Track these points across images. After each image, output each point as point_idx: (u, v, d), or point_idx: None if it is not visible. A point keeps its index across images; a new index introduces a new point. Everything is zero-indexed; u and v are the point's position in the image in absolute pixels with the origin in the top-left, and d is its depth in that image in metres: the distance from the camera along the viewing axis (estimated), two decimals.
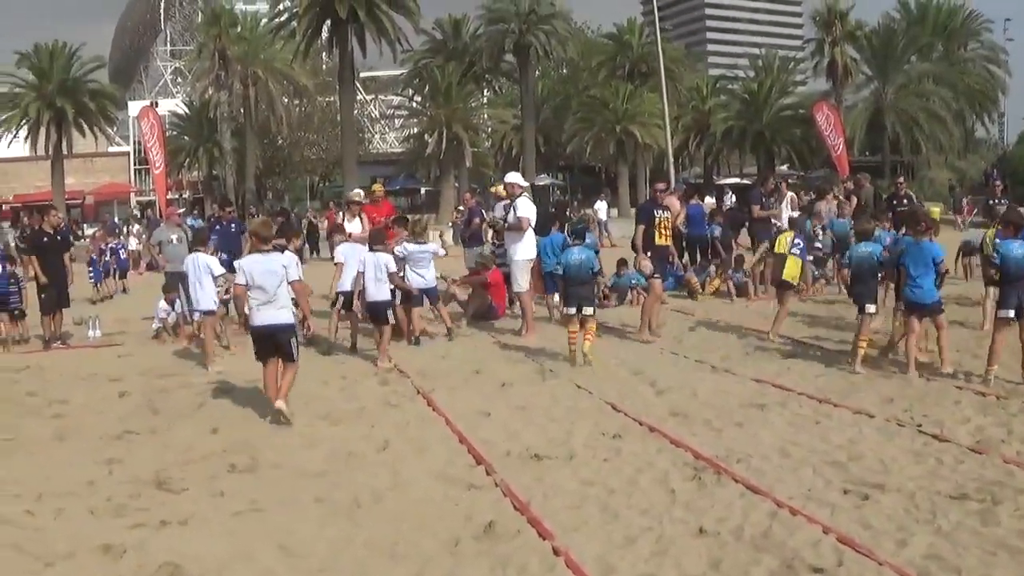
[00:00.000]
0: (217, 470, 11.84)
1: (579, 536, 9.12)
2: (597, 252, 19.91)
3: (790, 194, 29.49)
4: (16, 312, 23.82)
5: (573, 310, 17.93)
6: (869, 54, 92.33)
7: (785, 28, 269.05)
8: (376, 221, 24.15)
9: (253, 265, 14.45)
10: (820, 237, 26.76)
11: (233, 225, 26.06)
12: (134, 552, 9.20)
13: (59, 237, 23.94)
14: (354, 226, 23.64)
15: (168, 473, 11.67)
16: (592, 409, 14.15)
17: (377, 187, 27.20)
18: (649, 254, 20.25)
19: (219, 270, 19.99)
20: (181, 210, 40.06)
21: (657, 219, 20.62)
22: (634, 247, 21.14)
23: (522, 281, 21.19)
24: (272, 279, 14.33)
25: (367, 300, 18.79)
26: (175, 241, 24.39)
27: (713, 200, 37.89)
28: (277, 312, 14.38)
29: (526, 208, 21.27)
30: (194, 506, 10.48)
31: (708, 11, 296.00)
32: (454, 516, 9.84)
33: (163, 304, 23.69)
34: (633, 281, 24.86)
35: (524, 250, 21.24)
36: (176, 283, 23.44)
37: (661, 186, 22.50)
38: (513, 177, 22.30)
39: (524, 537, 9.18)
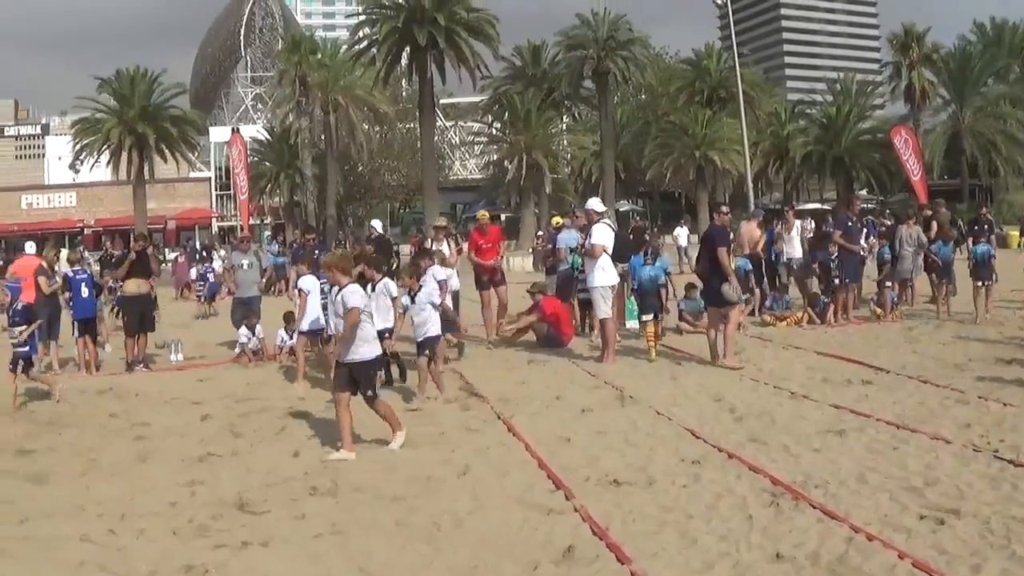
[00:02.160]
0: (298, 493, 11.92)
1: (657, 561, 9.09)
2: (668, 272, 23.38)
3: (798, 222, 29.15)
4: (97, 337, 24.16)
5: (649, 317, 21.57)
6: (946, 77, 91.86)
7: (863, 51, 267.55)
8: (483, 247, 24.37)
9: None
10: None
11: (317, 252, 26.12)
12: (216, 572, 9.31)
13: (145, 263, 24.12)
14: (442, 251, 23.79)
15: (250, 495, 11.77)
16: (671, 435, 14.08)
17: (482, 214, 27.24)
18: (727, 279, 20.14)
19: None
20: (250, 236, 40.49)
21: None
22: (705, 273, 21.03)
23: (604, 308, 21.09)
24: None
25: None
26: (246, 267, 24.60)
27: (811, 224, 37.36)
28: (356, 347, 14.02)
29: (601, 235, 21.06)
30: (275, 528, 10.57)
31: (786, 35, 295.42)
32: (533, 540, 9.84)
33: (244, 329, 23.87)
34: (702, 305, 24.82)
35: (603, 276, 21.02)
36: (243, 309, 23.71)
37: (724, 209, 22.41)
38: (592, 203, 22.25)
39: (603, 562, 9.16)
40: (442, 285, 20.38)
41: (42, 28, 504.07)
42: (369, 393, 13.93)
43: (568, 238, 25.94)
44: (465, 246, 26.82)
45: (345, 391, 13.90)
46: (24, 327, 19.40)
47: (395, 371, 19.72)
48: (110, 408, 18.44)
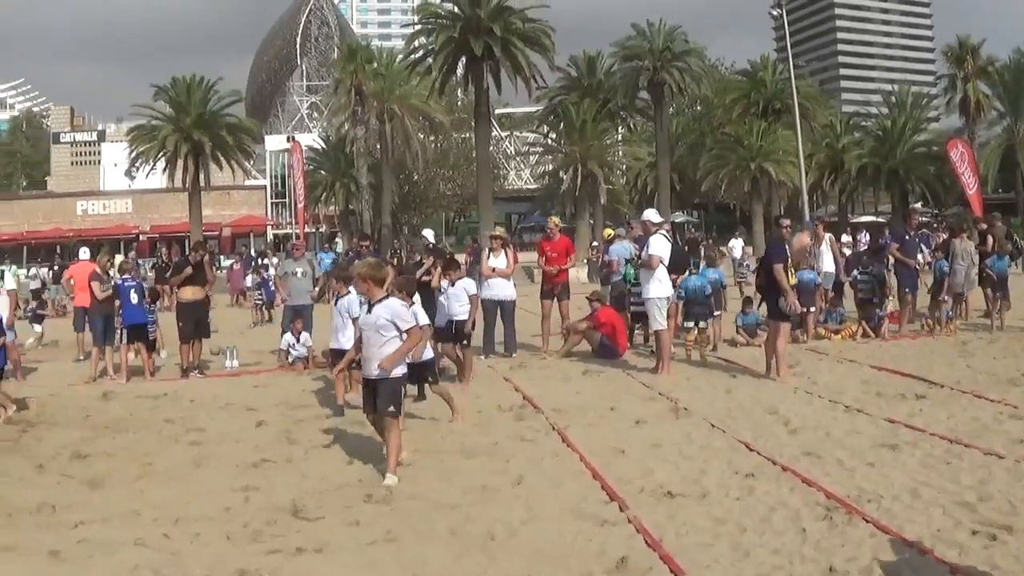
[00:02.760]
0: (353, 500, 11.94)
1: (710, 573, 9.10)
2: (724, 285, 24.62)
3: (828, 235, 28.84)
4: (152, 342, 24.34)
5: (692, 323, 23.08)
6: (1001, 90, 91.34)
7: (918, 63, 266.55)
8: (550, 255, 24.32)
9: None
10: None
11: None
12: None
13: (202, 270, 24.26)
14: (499, 261, 23.75)
15: (304, 501, 11.79)
16: (725, 447, 14.03)
17: (553, 221, 26.98)
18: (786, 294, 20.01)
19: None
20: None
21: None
22: (764, 287, 20.92)
23: (659, 319, 20.97)
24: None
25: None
26: (299, 275, 24.66)
27: (865, 236, 36.80)
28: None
29: (658, 246, 20.92)
30: (329, 534, 10.59)
31: (841, 47, 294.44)
32: (587, 551, 9.82)
33: (288, 335, 23.97)
34: (759, 320, 24.72)
35: (658, 288, 20.88)
36: (295, 317, 23.78)
37: (786, 222, 22.29)
38: (648, 214, 22.19)
39: (656, 574, 9.15)
40: (472, 299, 20.64)
41: (98, 35, 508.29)
42: (391, 409, 13.01)
43: (621, 249, 25.89)
44: (522, 256, 26.72)
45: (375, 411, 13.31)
46: None
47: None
48: (166, 413, 18.55)
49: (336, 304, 18.89)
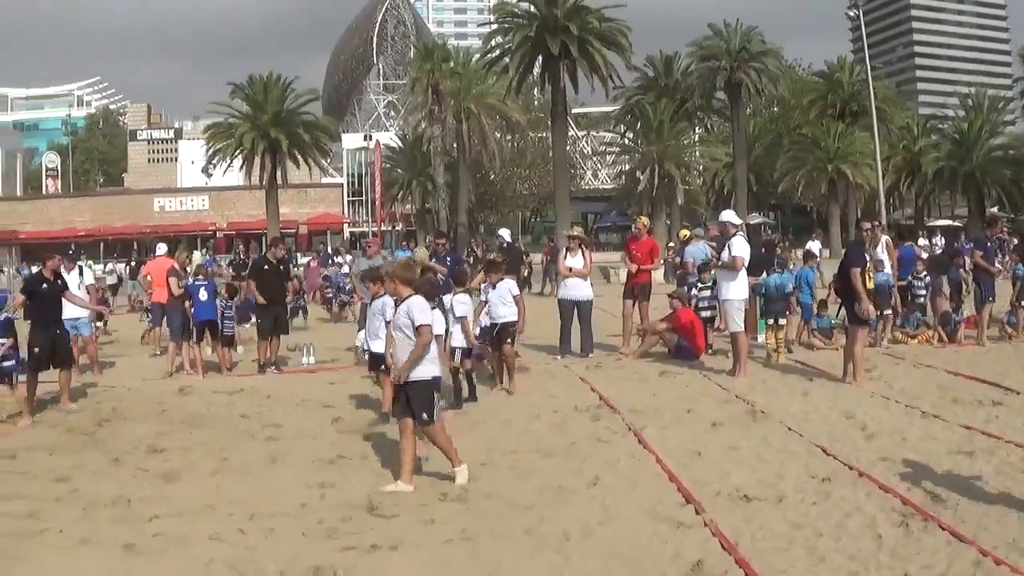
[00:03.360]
0: (428, 498, 11.96)
1: None
2: (810, 284, 24.99)
3: (885, 238, 28.33)
4: (229, 338, 24.52)
5: (771, 320, 23.05)
6: None
7: (995, 66, 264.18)
8: (635, 255, 24.16)
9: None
10: None
11: (449, 258, 25.91)
12: (344, 574, 9.39)
13: (280, 267, 24.54)
14: (575, 261, 23.66)
15: (380, 499, 11.84)
16: (802, 451, 13.94)
17: (643, 220, 26.60)
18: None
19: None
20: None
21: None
22: (842, 291, 20.71)
23: (738, 320, 20.85)
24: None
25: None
26: None
27: (941, 241, 36.08)
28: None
29: (741, 247, 20.83)
30: (405, 532, 10.60)
31: (917, 48, 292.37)
32: (662, 554, 9.77)
33: (362, 333, 24.00)
34: (833, 322, 24.53)
35: (737, 289, 20.81)
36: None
37: (867, 225, 22.07)
38: (727, 215, 22.05)
39: None
40: (517, 300, 20.10)
41: (174, 34, 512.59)
42: (424, 416, 12.54)
43: (696, 251, 25.76)
44: (597, 256, 26.57)
45: (407, 416, 12.68)
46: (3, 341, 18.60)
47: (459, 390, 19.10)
48: (242, 409, 18.69)
49: (371, 305, 18.31)
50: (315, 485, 12.70)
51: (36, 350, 18.62)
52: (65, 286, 20.16)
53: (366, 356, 20.93)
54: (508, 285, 20.09)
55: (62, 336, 19.56)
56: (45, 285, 19.33)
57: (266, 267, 24.19)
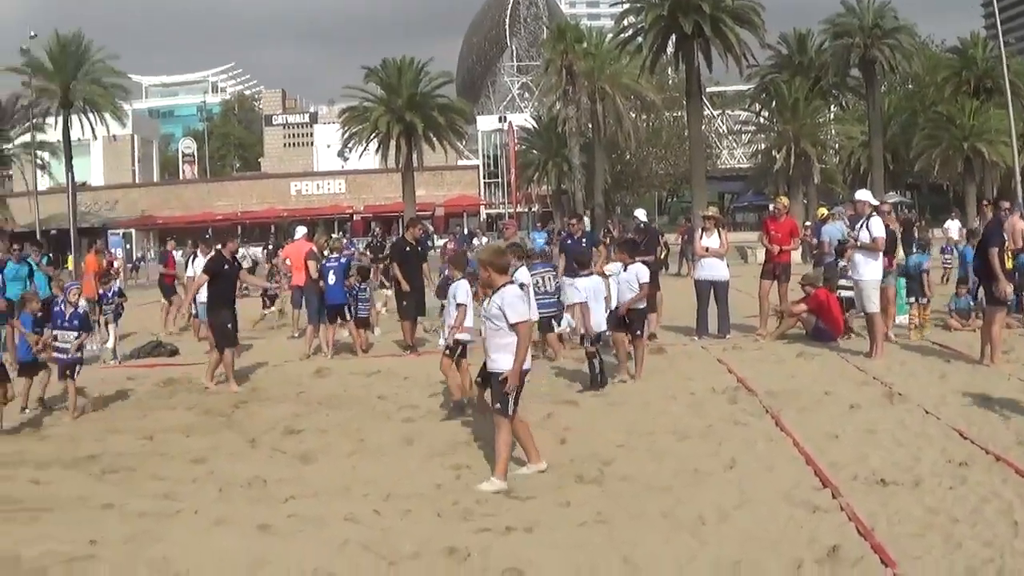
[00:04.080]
0: (564, 480, 11.94)
1: (921, 565, 8.87)
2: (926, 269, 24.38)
3: (1014, 217, 27.28)
4: (364, 319, 24.74)
5: (913, 299, 23.40)
6: None
7: None
8: (774, 235, 23.93)
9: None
10: None
11: (585, 239, 25.68)
12: (478, 556, 9.37)
13: (419, 248, 24.69)
14: (712, 241, 23.52)
15: (515, 481, 11.84)
16: (939, 435, 13.68)
17: (783, 200, 26.64)
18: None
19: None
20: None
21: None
22: (980, 271, 20.33)
23: (875, 300, 20.54)
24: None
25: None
26: None
27: None
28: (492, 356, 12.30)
29: (880, 227, 20.53)
30: (540, 514, 10.59)
31: None
32: (798, 538, 9.66)
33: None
34: (971, 304, 24.15)
35: (874, 270, 20.55)
36: None
37: (1005, 204, 21.65)
38: (863, 195, 21.69)
39: (867, 563, 8.97)
40: (643, 288, 19.36)
41: (308, 19, 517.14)
42: (497, 406, 12.01)
43: (833, 230, 25.50)
44: (733, 236, 26.37)
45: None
46: (78, 335, 18.37)
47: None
48: (379, 390, 18.91)
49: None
50: (451, 467, 12.76)
51: (228, 326, 20.47)
52: (240, 267, 21.86)
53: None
54: (637, 270, 19.36)
55: (235, 315, 20.87)
56: (227, 266, 20.78)
57: (407, 249, 24.43)
